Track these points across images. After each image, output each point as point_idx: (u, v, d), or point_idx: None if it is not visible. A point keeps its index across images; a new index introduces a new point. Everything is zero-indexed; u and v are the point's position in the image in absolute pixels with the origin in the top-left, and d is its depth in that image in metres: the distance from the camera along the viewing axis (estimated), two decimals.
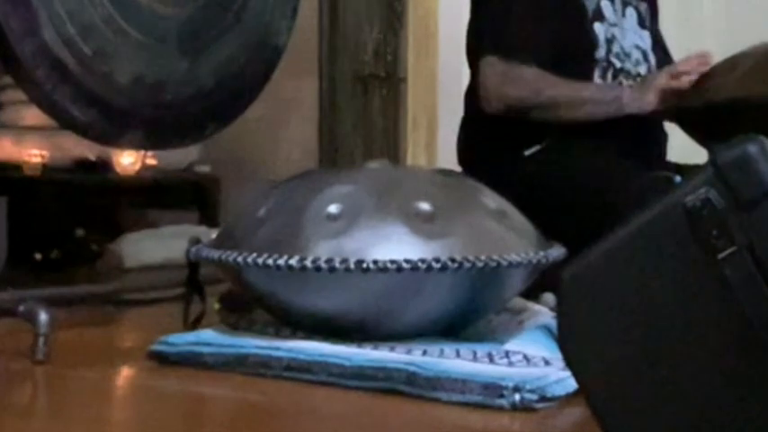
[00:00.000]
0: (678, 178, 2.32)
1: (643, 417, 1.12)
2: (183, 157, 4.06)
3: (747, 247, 1.07)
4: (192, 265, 2.10)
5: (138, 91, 2.50)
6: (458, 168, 2.60)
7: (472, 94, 2.61)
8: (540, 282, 1.95)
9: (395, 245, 1.80)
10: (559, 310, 1.18)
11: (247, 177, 4.03)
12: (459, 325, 1.90)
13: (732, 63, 2.31)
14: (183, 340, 1.86)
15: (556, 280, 1.17)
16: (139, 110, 2.54)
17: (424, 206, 1.85)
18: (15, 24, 2.26)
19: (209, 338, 1.87)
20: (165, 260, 3.27)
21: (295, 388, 1.70)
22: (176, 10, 2.57)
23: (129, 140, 2.68)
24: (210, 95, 2.69)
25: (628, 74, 2.56)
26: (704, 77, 2.32)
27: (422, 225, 1.82)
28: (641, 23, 2.66)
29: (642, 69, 2.59)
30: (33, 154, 3.72)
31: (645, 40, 2.65)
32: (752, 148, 1.08)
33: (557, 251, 1.92)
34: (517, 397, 1.54)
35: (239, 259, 1.84)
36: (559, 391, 1.56)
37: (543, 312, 2.00)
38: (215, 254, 1.92)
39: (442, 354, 1.72)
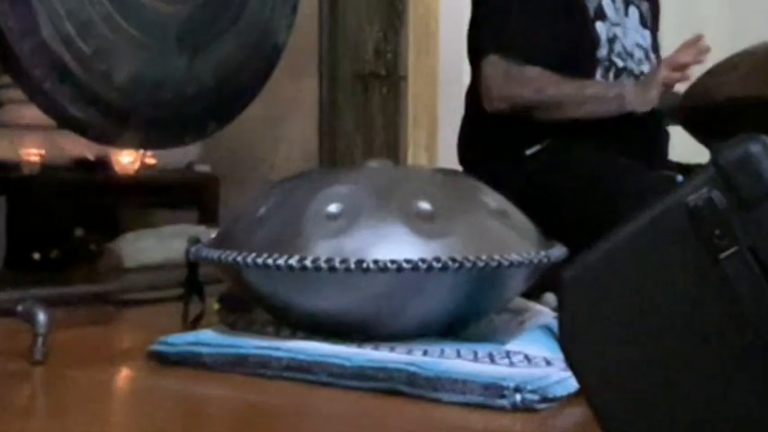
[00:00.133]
0: (680, 178, 2.32)
1: (644, 417, 1.11)
2: (182, 156, 4.07)
3: (749, 246, 1.06)
4: (192, 265, 2.10)
5: (137, 90, 2.50)
6: (458, 167, 2.59)
7: (473, 93, 2.60)
8: (542, 282, 1.94)
9: (395, 244, 1.79)
10: (560, 311, 1.17)
11: (247, 177, 4.03)
12: (459, 325, 1.89)
13: (733, 62, 2.31)
14: (183, 340, 1.86)
15: (557, 280, 1.16)
16: (139, 109, 2.53)
17: (425, 206, 1.85)
18: (14, 23, 2.25)
19: (209, 338, 1.86)
20: (165, 260, 3.27)
21: (295, 388, 1.70)
22: (176, 8, 2.57)
23: (128, 140, 2.67)
24: (210, 94, 2.69)
25: (630, 73, 2.56)
26: (705, 76, 2.32)
27: (422, 225, 1.82)
28: (643, 23, 2.66)
29: (645, 68, 2.59)
30: (32, 153, 3.72)
31: (646, 39, 2.65)
32: (754, 148, 1.07)
33: (558, 251, 1.91)
34: (518, 397, 1.53)
35: (239, 259, 1.84)
36: (561, 391, 1.56)
37: (544, 312, 2.00)
38: (214, 254, 1.91)
39: (442, 354, 1.72)
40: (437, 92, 4.46)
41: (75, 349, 2.03)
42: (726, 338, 1.08)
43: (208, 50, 2.65)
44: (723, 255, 1.07)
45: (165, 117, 2.61)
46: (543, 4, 2.48)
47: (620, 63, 2.54)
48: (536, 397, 1.54)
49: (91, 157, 3.82)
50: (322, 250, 1.79)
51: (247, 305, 2.04)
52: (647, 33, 2.66)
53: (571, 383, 1.50)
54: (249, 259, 1.82)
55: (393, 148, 4.35)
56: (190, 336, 1.89)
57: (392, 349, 1.75)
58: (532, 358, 1.69)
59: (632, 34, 2.60)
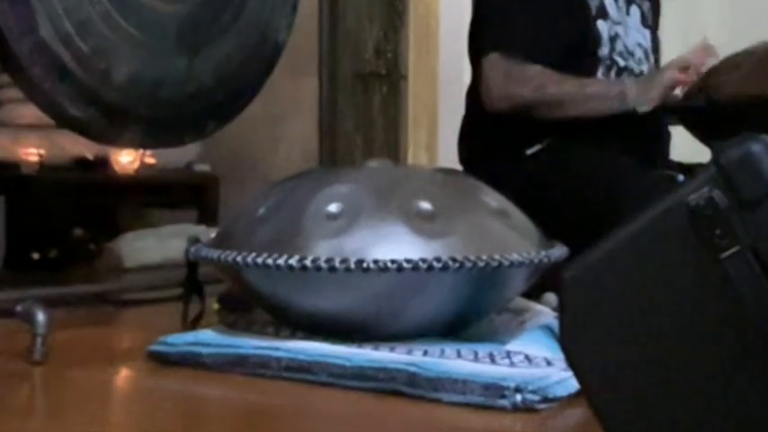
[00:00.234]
0: (681, 177, 2.32)
1: (645, 417, 1.11)
2: (182, 155, 4.07)
3: (750, 246, 1.06)
4: (191, 265, 2.10)
5: (136, 89, 2.49)
6: (459, 167, 2.59)
7: (474, 93, 2.60)
8: (542, 281, 1.94)
9: (395, 244, 1.79)
10: (561, 311, 1.17)
11: (247, 176, 4.02)
12: (460, 325, 1.89)
13: (734, 62, 2.31)
14: (182, 340, 1.85)
15: (558, 280, 1.16)
16: (138, 108, 2.53)
17: (425, 205, 1.85)
18: (13, 22, 2.25)
19: (208, 339, 1.86)
20: (164, 260, 3.27)
21: (295, 388, 1.69)
22: (175, 7, 2.56)
23: (127, 139, 2.67)
24: (210, 94, 2.68)
25: (631, 72, 2.56)
26: (707, 76, 2.31)
27: (423, 224, 1.81)
28: (644, 22, 2.65)
29: (644, 68, 2.59)
30: (31, 152, 3.71)
31: (647, 38, 2.65)
32: (755, 147, 1.07)
33: (558, 251, 1.91)
34: (519, 398, 1.52)
35: (238, 259, 1.84)
36: (561, 391, 1.55)
37: (545, 312, 1.99)
38: (214, 253, 1.91)
39: (442, 354, 1.71)
40: (437, 91, 4.45)
41: (74, 349, 2.03)
42: (727, 338, 1.07)
43: (207, 50, 2.65)
44: (724, 254, 1.06)
45: (164, 116, 2.61)
46: (544, 2, 2.48)
47: (621, 62, 2.54)
48: (537, 397, 1.53)
49: (90, 156, 3.82)
50: (322, 250, 1.79)
51: (247, 305, 2.04)
52: (647, 33, 2.66)
53: (572, 384, 1.50)
54: (249, 259, 1.82)
55: (393, 148, 4.35)
56: (189, 336, 1.89)
57: (392, 349, 1.75)
58: (533, 358, 1.69)
59: (633, 33, 2.60)
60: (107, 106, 2.46)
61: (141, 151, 3.84)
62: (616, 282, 1.12)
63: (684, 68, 2.34)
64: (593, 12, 2.52)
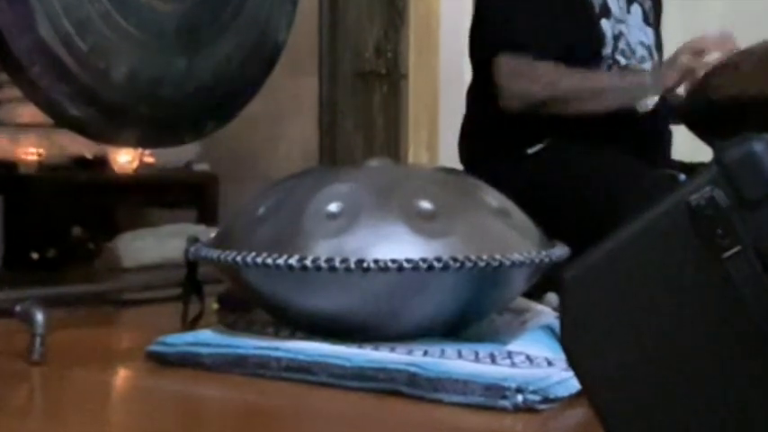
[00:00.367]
0: (682, 177, 2.31)
1: (646, 417, 1.10)
2: (181, 155, 4.06)
3: (752, 246, 1.05)
4: (191, 265, 2.09)
5: (135, 88, 2.49)
6: (459, 166, 2.59)
7: (474, 92, 2.60)
8: (543, 281, 1.93)
9: (396, 244, 1.78)
10: (562, 311, 1.16)
11: (246, 176, 4.02)
12: (460, 325, 1.88)
13: (736, 61, 2.30)
14: (181, 341, 1.85)
15: (559, 280, 1.15)
16: (137, 107, 2.52)
17: (426, 205, 1.84)
18: (12, 21, 2.24)
19: (208, 339, 1.85)
20: (163, 259, 3.26)
21: (294, 389, 1.69)
22: (174, 6, 2.56)
23: (126, 138, 2.67)
24: (209, 93, 2.68)
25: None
26: (708, 75, 2.30)
27: (423, 224, 1.81)
28: (646, 20, 2.65)
29: (647, 66, 2.58)
30: (29, 152, 3.71)
31: (649, 36, 2.64)
32: (757, 147, 1.06)
33: (559, 250, 1.90)
34: (520, 398, 1.52)
35: (238, 259, 1.83)
36: (562, 392, 1.55)
37: (546, 312, 1.99)
38: (214, 253, 1.90)
39: (443, 354, 1.71)
40: (438, 90, 4.45)
41: (73, 349, 2.02)
42: (728, 338, 1.07)
43: (207, 49, 2.64)
44: (726, 254, 1.06)
45: (163, 116, 2.60)
46: (549, 1, 2.47)
47: (623, 61, 2.53)
48: (538, 398, 1.53)
49: (89, 155, 3.81)
50: (322, 250, 1.78)
51: (246, 305, 2.03)
52: (650, 31, 2.65)
53: (573, 384, 1.49)
54: (249, 259, 1.82)
55: (394, 147, 4.35)
56: (189, 336, 1.88)
57: (393, 349, 1.74)
58: (534, 359, 1.68)
59: (635, 32, 2.59)
60: (106, 105, 2.46)
61: (140, 151, 3.84)
62: (617, 282, 1.11)
63: (698, 52, 2.32)
64: (597, 10, 2.52)
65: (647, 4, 2.67)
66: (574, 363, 1.15)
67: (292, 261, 1.77)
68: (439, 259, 1.76)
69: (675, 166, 2.47)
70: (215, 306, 2.15)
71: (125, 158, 3.86)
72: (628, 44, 2.55)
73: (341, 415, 1.62)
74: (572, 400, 1.53)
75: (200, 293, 2.14)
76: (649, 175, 2.28)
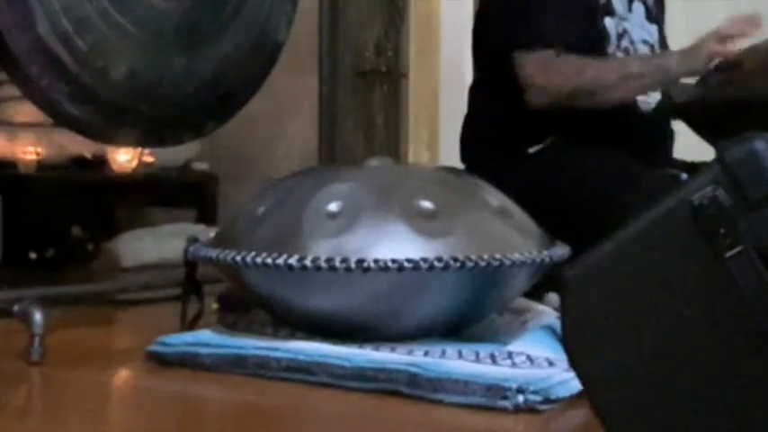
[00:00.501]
0: (684, 176, 2.31)
1: (647, 418, 1.10)
2: (180, 154, 4.05)
3: (755, 245, 1.05)
4: (190, 265, 2.08)
5: (134, 87, 2.48)
6: (460, 166, 2.58)
7: (476, 91, 2.59)
8: (544, 281, 1.93)
9: (396, 244, 1.78)
10: (563, 311, 1.16)
11: (246, 175, 4.02)
12: (461, 325, 1.88)
13: (738, 60, 2.30)
14: (181, 341, 1.85)
15: (560, 279, 1.15)
16: (136, 106, 2.52)
17: (426, 204, 1.84)
18: (10, 19, 2.24)
19: (207, 339, 1.85)
20: (163, 259, 3.26)
21: (294, 389, 1.69)
22: (174, 4, 2.55)
23: (125, 137, 2.66)
24: (209, 91, 2.67)
25: None
26: (710, 74, 2.30)
27: (423, 223, 1.80)
28: (649, 17, 2.64)
29: None
30: (28, 151, 3.70)
31: (652, 34, 2.63)
32: (759, 146, 1.06)
33: (560, 250, 1.90)
34: (520, 398, 1.52)
35: (238, 258, 1.83)
36: (563, 392, 1.55)
37: (547, 312, 1.99)
38: (213, 253, 1.90)
39: (443, 354, 1.71)
40: (438, 89, 4.45)
41: (71, 350, 2.02)
42: (730, 339, 1.07)
43: (206, 47, 2.63)
44: (728, 254, 1.06)
45: (163, 115, 2.60)
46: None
47: None
48: (538, 398, 1.52)
49: (88, 155, 3.80)
50: (322, 249, 1.78)
51: (246, 305, 2.03)
52: (653, 28, 2.64)
53: (574, 384, 1.48)
54: (248, 259, 1.81)
55: (394, 146, 4.34)
56: (188, 336, 1.88)
57: (393, 350, 1.74)
58: (535, 359, 1.68)
59: (637, 30, 2.59)
60: (105, 104, 2.45)
61: (139, 150, 3.82)
62: (619, 282, 1.11)
63: (723, 39, 2.29)
64: (600, 9, 2.51)
65: (650, 1, 2.66)
66: (575, 363, 1.15)
67: (292, 261, 1.77)
68: (439, 259, 1.75)
69: (677, 166, 2.47)
70: (214, 306, 2.14)
71: (124, 158, 3.86)
72: (631, 42, 2.55)
73: (341, 415, 1.61)
74: (573, 400, 1.53)
75: (199, 293, 2.14)
76: (651, 175, 2.28)
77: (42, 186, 3.71)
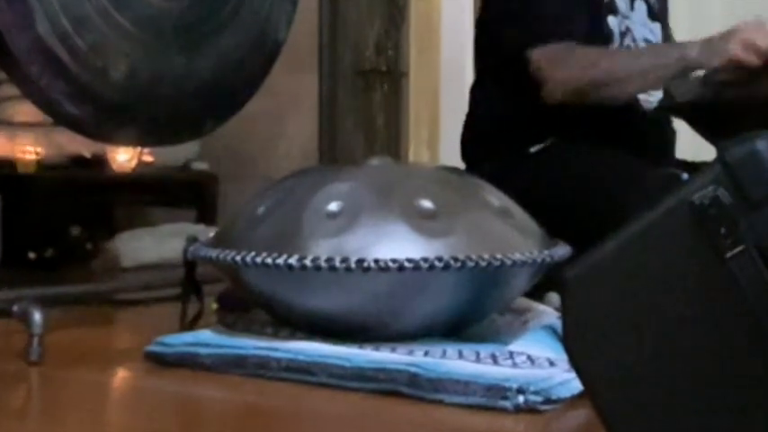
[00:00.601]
0: (685, 175, 2.30)
1: (649, 419, 1.09)
2: (180, 153, 4.05)
3: (756, 245, 1.04)
4: (190, 265, 2.08)
5: (134, 86, 2.48)
6: (461, 165, 2.58)
7: (477, 90, 2.59)
8: (545, 281, 1.93)
9: (396, 243, 1.77)
10: (564, 311, 1.15)
11: (246, 175, 4.02)
12: (461, 325, 1.87)
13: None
14: (180, 341, 1.84)
15: (561, 279, 1.15)
16: (135, 105, 2.51)
17: (427, 204, 1.83)
18: (10, 18, 2.23)
19: (207, 339, 1.84)
20: (162, 259, 3.26)
21: (294, 389, 1.68)
22: (173, 3, 2.54)
23: (124, 137, 2.66)
24: (208, 91, 2.67)
25: None
26: (711, 73, 2.29)
27: (424, 223, 1.80)
28: (651, 16, 2.63)
29: None
30: (27, 151, 3.70)
31: (655, 32, 2.62)
32: (761, 146, 1.06)
33: (561, 250, 1.89)
34: (521, 399, 1.51)
35: (237, 258, 1.82)
36: (564, 392, 1.54)
37: (548, 312, 1.98)
38: (213, 253, 1.89)
39: (444, 355, 1.70)
40: (439, 88, 4.45)
41: (71, 350, 2.02)
42: (732, 339, 1.06)
43: (206, 46, 2.63)
44: (729, 254, 1.05)
45: (162, 114, 2.59)
46: None
47: None
48: (539, 398, 1.52)
49: (87, 154, 3.80)
50: (322, 249, 1.77)
51: (246, 305, 2.02)
52: (656, 27, 2.63)
53: (575, 385, 1.48)
54: (248, 258, 1.81)
55: (394, 146, 4.34)
56: (188, 336, 1.88)
57: (393, 350, 1.73)
58: (536, 359, 1.67)
59: (640, 28, 2.58)
60: (104, 104, 2.44)
61: (139, 149, 3.82)
62: (619, 281, 1.11)
63: (748, 47, 2.21)
64: (604, 7, 2.50)
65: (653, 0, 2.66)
66: (576, 363, 1.14)
67: (292, 261, 1.76)
68: (440, 259, 1.75)
69: (679, 165, 2.46)
70: (214, 306, 2.14)
71: (124, 157, 3.86)
72: (633, 40, 2.54)
73: (341, 416, 1.61)
74: (574, 400, 1.52)
75: (199, 293, 2.13)
76: (652, 175, 2.27)
77: (42, 186, 3.71)
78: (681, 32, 2.79)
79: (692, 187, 1.08)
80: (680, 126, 2.57)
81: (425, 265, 1.74)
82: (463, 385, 1.55)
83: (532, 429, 1.50)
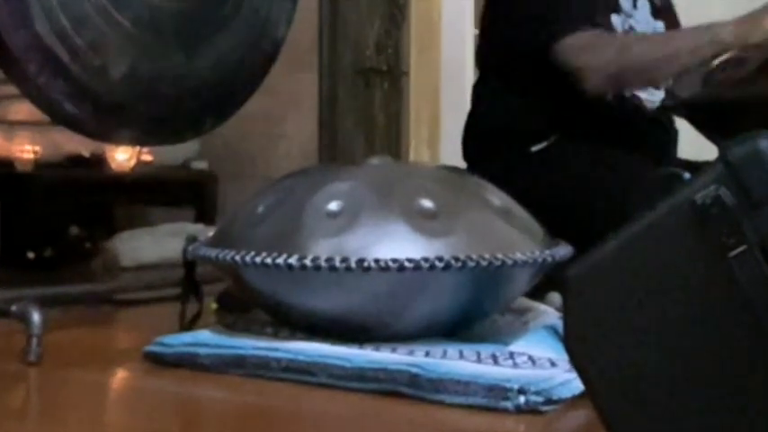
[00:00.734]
0: (687, 175, 2.29)
1: (650, 419, 1.09)
2: (179, 153, 4.06)
3: (759, 245, 1.04)
4: (189, 264, 2.07)
5: (133, 85, 2.47)
6: (461, 164, 2.58)
7: (479, 89, 2.59)
8: (546, 281, 1.92)
9: (397, 243, 1.77)
10: (565, 311, 1.15)
11: (245, 174, 4.02)
12: (462, 325, 1.87)
13: (743, 56, 2.28)
14: (180, 341, 1.83)
15: (562, 279, 1.14)
16: (134, 104, 2.51)
17: (427, 203, 1.83)
18: (7, 16, 2.23)
19: (206, 339, 1.84)
20: (161, 259, 3.26)
21: (294, 390, 1.67)
22: (172, 1, 2.54)
23: (123, 136, 2.65)
24: (208, 90, 2.66)
25: None
26: (713, 72, 2.29)
27: (424, 223, 1.79)
28: (654, 14, 2.63)
29: None
30: (25, 150, 3.70)
31: (659, 31, 2.62)
32: (763, 145, 1.05)
33: (563, 250, 1.89)
34: (522, 399, 1.50)
35: (237, 258, 1.82)
36: (565, 393, 1.53)
37: (549, 313, 1.98)
38: (212, 252, 1.89)
39: (445, 355, 1.69)
40: (439, 87, 4.45)
41: (70, 350, 2.01)
42: (734, 339, 1.05)
43: (205, 45, 2.63)
44: (732, 254, 1.04)
45: (161, 113, 2.59)
46: None
47: None
48: (540, 399, 1.51)
49: (86, 153, 3.80)
50: (322, 249, 1.77)
51: (246, 305, 2.02)
52: (659, 25, 2.63)
53: (576, 385, 1.48)
54: (248, 258, 1.80)
55: (395, 145, 4.35)
56: (187, 336, 1.87)
57: (394, 350, 1.73)
58: (537, 359, 1.67)
59: (643, 27, 2.57)
60: (103, 103, 2.44)
61: (138, 148, 3.82)
62: (621, 281, 1.10)
63: None
64: (608, 5, 2.50)
65: None
66: (577, 363, 1.14)
67: (292, 260, 1.76)
68: (440, 259, 1.74)
69: (681, 165, 2.46)
70: (213, 306, 2.13)
71: (122, 156, 3.86)
72: None
73: (341, 416, 1.60)
74: (575, 401, 1.51)
75: (198, 293, 2.13)
76: (653, 174, 2.26)
77: (40, 185, 3.71)
78: None
79: (694, 187, 1.07)
80: (682, 125, 2.56)
81: (426, 265, 1.73)
82: (464, 386, 1.55)
83: (533, 430, 1.50)
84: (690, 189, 1.07)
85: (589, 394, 1.13)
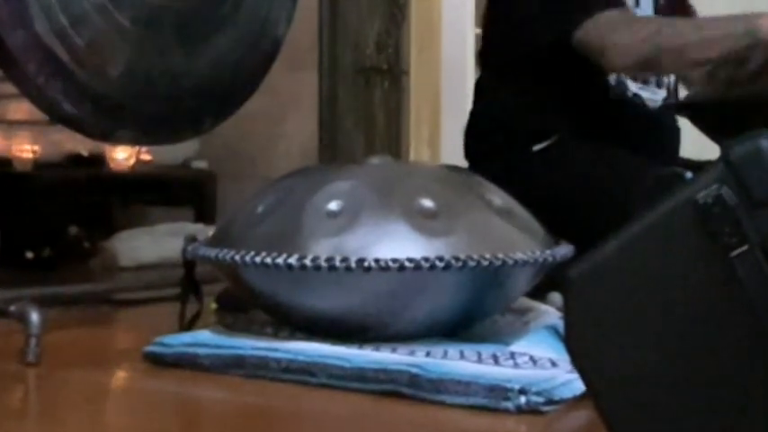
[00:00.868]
0: (689, 174, 2.29)
1: (651, 419, 1.09)
2: (178, 152, 4.06)
3: (760, 245, 1.04)
4: (188, 264, 2.07)
5: (132, 84, 2.47)
6: (461, 164, 2.58)
7: (481, 87, 2.59)
8: (547, 281, 1.92)
9: (397, 243, 1.76)
10: (566, 311, 1.15)
11: (245, 173, 4.02)
12: (463, 325, 1.86)
13: (745, 55, 2.28)
14: (179, 341, 1.83)
15: (563, 279, 1.14)
16: (134, 104, 2.51)
17: (427, 203, 1.82)
18: (6, 15, 2.23)
19: (206, 339, 1.84)
20: (161, 259, 3.26)
21: (294, 390, 1.67)
22: (172, 1, 2.54)
23: (122, 135, 2.65)
24: (207, 89, 2.66)
25: None
26: (714, 71, 2.29)
27: (425, 222, 1.79)
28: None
29: None
30: (24, 149, 3.70)
31: None
32: (765, 144, 1.05)
33: (564, 250, 1.89)
34: (523, 400, 1.50)
35: (237, 258, 1.81)
36: (566, 393, 1.53)
37: (550, 312, 1.98)
38: (212, 252, 1.88)
39: (445, 355, 1.69)
40: (440, 86, 4.44)
41: (69, 350, 2.01)
42: (736, 339, 1.06)
43: (205, 44, 2.62)
44: (733, 253, 1.05)
45: (161, 112, 2.59)
46: None
47: None
48: (541, 399, 1.51)
49: (85, 153, 3.80)
50: (322, 249, 1.77)
51: (245, 305, 2.02)
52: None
53: (577, 385, 1.48)
54: (247, 258, 1.80)
55: (395, 144, 4.34)
56: (186, 336, 1.87)
57: (394, 350, 1.72)
58: (537, 360, 1.66)
59: None
60: (102, 102, 2.44)
61: (137, 148, 3.82)
62: (622, 281, 1.10)
63: None
64: (610, 1, 2.49)
65: None
66: (578, 364, 1.14)
67: (292, 260, 1.76)
68: (441, 258, 1.74)
69: (683, 164, 2.45)
70: (213, 306, 2.13)
71: (122, 156, 3.86)
72: None
73: (341, 416, 1.60)
74: (576, 401, 1.52)
75: (198, 293, 2.12)
76: (655, 174, 2.26)
77: (39, 185, 3.71)
78: None
79: (696, 186, 1.07)
80: (684, 125, 2.56)
81: (426, 265, 1.73)
82: (465, 386, 1.55)
83: (534, 430, 1.49)
84: (691, 189, 1.08)
85: (590, 394, 1.13)
